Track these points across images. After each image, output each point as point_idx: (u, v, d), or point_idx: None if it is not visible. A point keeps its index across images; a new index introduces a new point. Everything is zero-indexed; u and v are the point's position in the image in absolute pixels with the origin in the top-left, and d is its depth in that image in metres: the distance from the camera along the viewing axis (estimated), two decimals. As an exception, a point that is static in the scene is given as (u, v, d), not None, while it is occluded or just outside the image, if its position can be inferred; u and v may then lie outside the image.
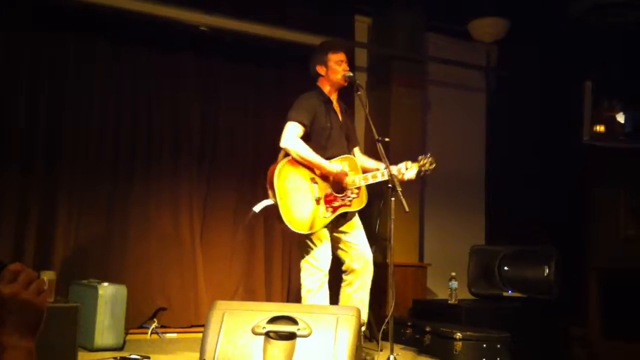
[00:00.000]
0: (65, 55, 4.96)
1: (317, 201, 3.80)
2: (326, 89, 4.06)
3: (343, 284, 4.05)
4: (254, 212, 3.82)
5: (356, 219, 4.07)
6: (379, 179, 3.81)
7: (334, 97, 4.10)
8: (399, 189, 3.49)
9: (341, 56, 4.02)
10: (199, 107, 5.43)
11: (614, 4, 5.30)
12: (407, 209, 3.41)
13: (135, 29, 5.10)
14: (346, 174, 3.88)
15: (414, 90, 6.19)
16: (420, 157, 3.95)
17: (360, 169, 3.97)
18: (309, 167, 3.83)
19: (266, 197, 3.82)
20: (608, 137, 5.47)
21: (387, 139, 3.94)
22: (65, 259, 4.80)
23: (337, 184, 3.88)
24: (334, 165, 3.86)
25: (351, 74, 3.99)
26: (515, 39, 6.14)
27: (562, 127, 5.85)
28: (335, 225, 3.97)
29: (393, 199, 3.54)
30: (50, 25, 4.87)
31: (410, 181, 3.91)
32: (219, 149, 5.50)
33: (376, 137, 3.71)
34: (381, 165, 3.83)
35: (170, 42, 5.30)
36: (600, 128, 5.58)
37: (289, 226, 3.70)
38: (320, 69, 4.05)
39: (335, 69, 4.00)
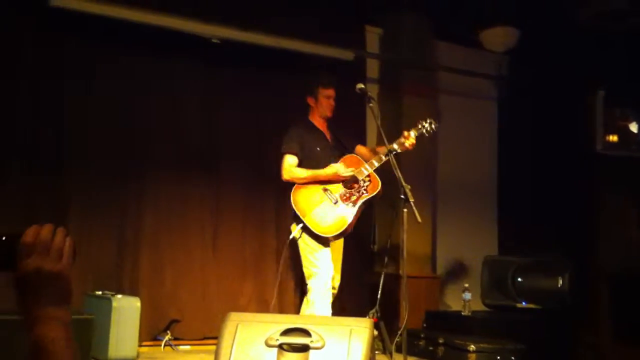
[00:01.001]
0: (75, 60, 4.98)
1: (336, 202, 4.15)
2: (315, 119, 4.44)
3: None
4: (290, 239, 4.23)
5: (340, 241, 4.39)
6: (384, 160, 4.13)
7: (322, 124, 4.48)
8: (412, 200, 3.51)
9: (330, 92, 4.37)
10: (207, 116, 5.44)
11: (619, 10, 5.29)
12: (419, 220, 3.44)
13: (144, 38, 5.08)
14: (336, 168, 4.20)
15: (424, 100, 6.18)
16: (419, 122, 4.38)
17: (364, 161, 4.28)
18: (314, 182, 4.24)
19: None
20: (621, 147, 5.45)
21: (399, 150, 4.00)
22: (79, 271, 4.80)
23: (344, 182, 4.22)
24: (326, 168, 4.22)
25: (363, 86, 4.09)
26: (526, 48, 6.13)
27: (573, 136, 5.83)
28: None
29: (405, 210, 3.55)
30: (57, 29, 4.87)
31: (413, 146, 4.24)
32: (227, 159, 5.49)
33: (388, 147, 3.81)
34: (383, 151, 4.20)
35: (179, 51, 5.30)
36: (613, 138, 5.56)
37: (324, 235, 4.12)
38: (310, 100, 4.44)
39: (322, 103, 4.38)
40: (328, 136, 4.48)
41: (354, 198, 4.15)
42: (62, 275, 1.18)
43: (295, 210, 4.15)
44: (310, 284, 4.17)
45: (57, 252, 1.19)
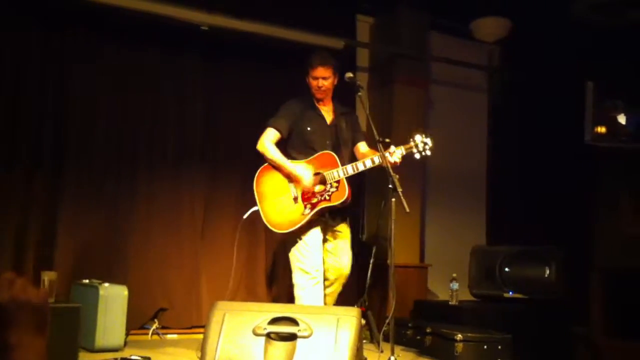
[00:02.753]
0: (68, 53, 4.96)
1: (295, 200, 3.95)
2: (314, 97, 4.23)
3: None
4: (243, 219, 4.07)
5: (345, 230, 4.18)
6: (361, 169, 3.91)
7: (323, 103, 4.23)
8: (400, 190, 3.50)
9: (316, 72, 4.13)
10: (201, 106, 5.43)
11: (613, 2, 5.30)
12: (407, 210, 3.42)
13: (139, 28, 5.08)
14: (302, 176, 3.95)
15: (416, 90, 6.18)
16: (412, 138, 4.02)
17: (339, 164, 3.99)
18: None
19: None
20: (610, 138, 5.46)
21: (387, 140, 3.94)
22: (66, 259, 4.78)
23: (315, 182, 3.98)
24: (295, 167, 4.00)
25: (352, 75, 4.01)
26: (518, 39, 6.13)
27: (564, 127, 5.84)
28: (327, 225, 4.08)
29: (394, 199, 3.55)
30: (52, 24, 4.87)
31: (396, 165, 3.89)
32: (221, 149, 5.49)
33: (377, 137, 3.74)
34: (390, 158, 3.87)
35: (173, 42, 5.30)
36: (601, 129, 5.57)
37: (269, 227, 3.96)
38: (306, 80, 4.23)
39: (310, 84, 4.18)
40: (330, 119, 4.21)
41: (314, 201, 3.92)
42: (39, 305, 1.19)
43: (255, 192, 4.00)
44: (294, 279, 4.04)
45: (35, 289, 1.20)
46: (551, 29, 5.88)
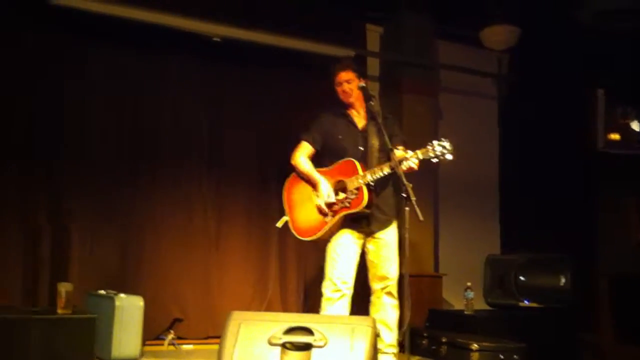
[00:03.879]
0: (74, 59, 5.00)
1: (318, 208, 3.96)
2: (342, 103, 4.16)
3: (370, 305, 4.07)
4: (277, 228, 4.10)
5: (390, 238, 4.04)
6: (379, 175, 3.83)
7: (355, 109, 4.16)
8: (413, 198, 3.48)
9: (338, 77, 4.10)
10: (208, 114, 5.48)
11: (620, 10, 5.29)
12: (421, 218, 3.40)
13: (147, 35, 5.11)
14: (321, 193, 3.95)
15: (425, 98, 6.19)
16: (429, 143, 3.84)
17: (359, 171, 3.91)
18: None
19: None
20: (623, 145, 5.45)
21: (400, 147, 3.94)
22: (82, 270, 4.83)
23: (336, 189, 3.95)
24: (321, 181, 3.99)
25: (364, 85, 4.01)
26: (527, 46, 6.13)
27: (574, 134, 5.83)
28: (366, 233, 3.99)
29: (407, 208, 3.53)
30: (58, 28, 4.90)
31: (413, 170, 3.79)
32: (229, 157, 5.52)
33: (388, 146, 3.74)
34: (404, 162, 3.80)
35: (180, 50, 5.33)
36: (614, 136, 5.56)
37: (294, 234, 4.00)
38: (335, 90, 4.16)
39: (335, 91, 4.13)
40: (362, 124, 4.12)
41: (335, 208, 3.92)
42: None
43: (284, 201, 4.09)
44: (322, 287, 3.96)
45: None
46: (560, 36, 5.88)
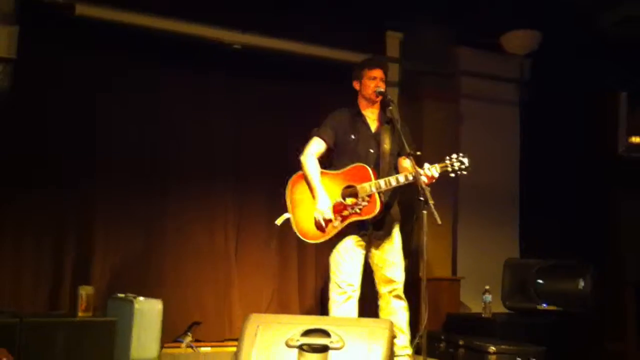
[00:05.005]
0: (100, 71, 5.10)
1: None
2: (361, 103, 4.11)
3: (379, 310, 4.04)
4: (276, 225, 3.97)
5: (395, 241, 4.02)
6: (393, 184, 3.78)
7: (370, 111, 4.11)
8: (431, 202, 3.47)
9: (375, 73, 4.05)
10: (231, 124, 5.54)
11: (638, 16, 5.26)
12: (439, 222, 3.39)
13: (168, 48, 5.21)
14: (319, 207, 3.85)
15: (445, 104, 6.19)
16: (447, 158, 3.85)
17: (372, 177, 3.86)
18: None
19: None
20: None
21: (418, 153, 3.92)
22: (103, 274, 4.91)
23: (345, 194, 3.89)
24: (320, 194, 3.88)
25: (382, 90, 3.99)
26: (548, 52, 6.11)
27: (596, 140, 5.79)
28: (371, 238, 3.95)
29: (425, 212, 3.52)
30: (84, 43, 5.00)
31: (434, 181, 3.77)
32: (251, 166, 5.57)
33: (407, 151, 3.72)
34: (420, 172, 3.71)
35: (203, 60, 5.40)
36: (636, 139, 5.51)
37: (299, 236, 3.90)
38: (356, 84, 4.11)
39: (366, 85, 4.04)
40: (374, 127, 4.07)
41: (345, 213, 3.84)
42: None
43: (288, 199, 3.95)
44: (329, 291, 3.93)
45: None
46: (581, 40, 5.84)
